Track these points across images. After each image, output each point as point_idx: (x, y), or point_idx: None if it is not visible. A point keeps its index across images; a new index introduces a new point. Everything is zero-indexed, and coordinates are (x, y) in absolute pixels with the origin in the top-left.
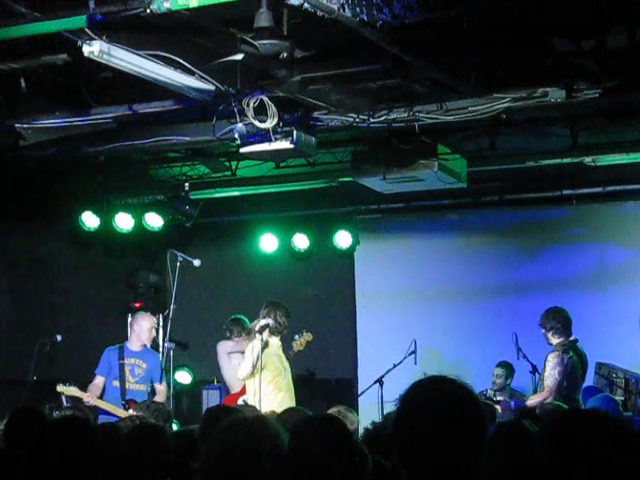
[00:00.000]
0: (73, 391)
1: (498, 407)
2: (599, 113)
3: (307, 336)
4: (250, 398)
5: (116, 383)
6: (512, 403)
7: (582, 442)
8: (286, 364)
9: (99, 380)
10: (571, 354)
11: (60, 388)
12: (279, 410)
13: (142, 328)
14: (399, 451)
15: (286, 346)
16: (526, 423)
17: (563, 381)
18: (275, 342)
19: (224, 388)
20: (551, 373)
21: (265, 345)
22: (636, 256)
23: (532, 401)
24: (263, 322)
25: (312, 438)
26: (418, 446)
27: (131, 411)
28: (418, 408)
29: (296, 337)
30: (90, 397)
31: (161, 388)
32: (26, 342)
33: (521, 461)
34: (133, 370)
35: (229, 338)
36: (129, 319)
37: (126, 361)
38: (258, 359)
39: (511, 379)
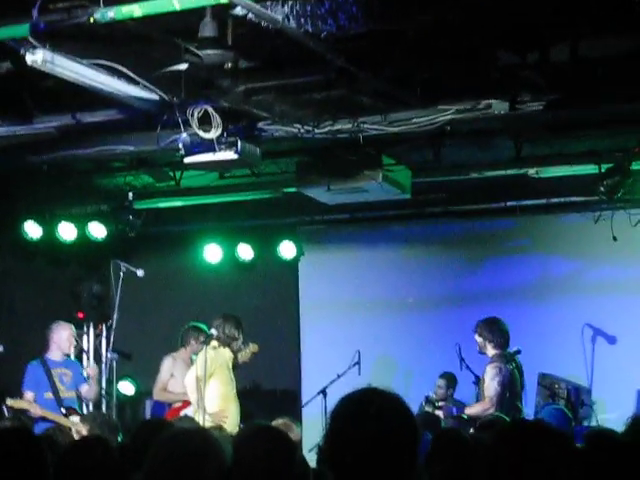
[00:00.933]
0: (23, 403)
1: (439, 412)
2: (543, 125)
3: (252, 347)
4: (194, 410)
5: (48, 395)
6: (454, 409)
7: (527, 454)
8: (232, 377)
9: (29, 395)
10: (512, 365)
11: (10, 402)
12: (229, 420)
13: (62, 338)
14: (331, 465)
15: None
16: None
17: (504, 392)
18: (226, 353)
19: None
20: (491, 384)
21: (214, 356)
22: (579, 267)
23: (472, 410)
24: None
25: (254, 450)
26: (349, 460)
27: (73, 418)
28: (348, 422)
29: (242, 347)
30: (37, 408)
31: (86, 387)
32: None
33: (462, 474)
34: (62, 379)
35: (183, 346)
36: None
37: (53, 371)
38: (202, 370)
39: (453, 390)
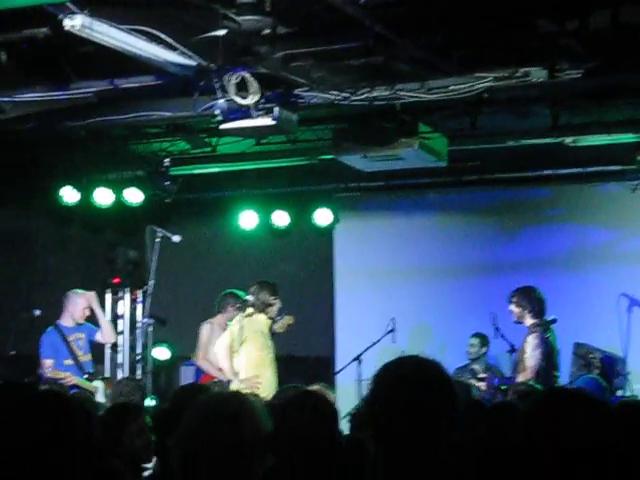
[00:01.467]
0: (60, 373)
1: (482, 384)
2: (581, 93)
3: (288, 319)
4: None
5: (68, 361)
6: (496, 380)
7: (565, 422)
8: (270, 342)
9: (49, 362)
10: (549, 335)
11: (50, 373)
12: (264, 385)
13: (77, 307)
14: (374, 431)
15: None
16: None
17: (544, 362)
18: (261, 320)
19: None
20: (533, 354)
21: (248, 323)
22: (615, 237)
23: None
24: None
25: (296, 413)
26: (392, 425)
27: (95, 382)
28: (390, 387)
29: (277, 318)
30: (70, 377)
31: (99, 334)
32: (4, 317)
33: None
34: (78, 344)
35: (220, 312)
36: (108, 296)
37: (69, 338)
38: (235, 337)
39: (486, 349)
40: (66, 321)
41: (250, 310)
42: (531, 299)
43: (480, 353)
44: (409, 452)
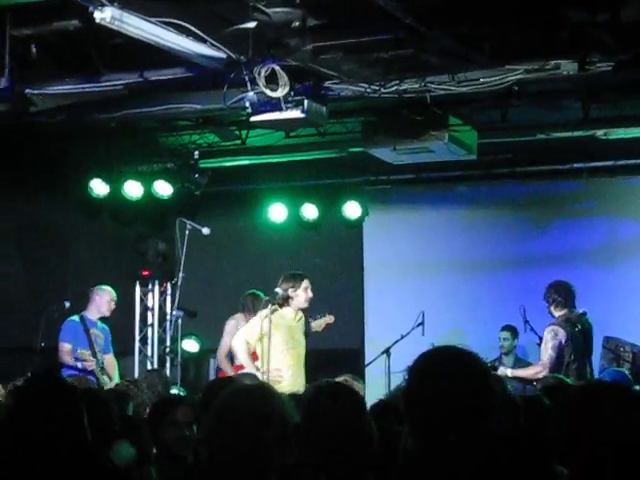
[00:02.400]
0: (85, 353)
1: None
2: (612, 86)
3: (328, 319)
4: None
5: (82, 352)
6: (508, 371)
7: (603, 416)
8: (298, 337)
9: (67, 347)
10: (576, 327)
11: (82, 352)
12: (286, 380)
13: (103, 300)
14: (409, 423)
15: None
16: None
17: (559, 356)
18: (286, 313)
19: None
20: (545, 347)
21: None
22: None
23: (524, 372)
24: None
25: (328, 404)
26: (428, 418)
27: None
28: (427, 378)
29: (317, 317)
30: (92, 362)
31: (110, 360)
32: (35, 309)
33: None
34: (97, 340)
35: (242, 311)
36: (138, 288)
37: (91, 331)
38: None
39: (517, 341)
40: (91, 314)
41: (275, 306)
42: (557, 292)
43: (512, 346)
44: (444, 444)
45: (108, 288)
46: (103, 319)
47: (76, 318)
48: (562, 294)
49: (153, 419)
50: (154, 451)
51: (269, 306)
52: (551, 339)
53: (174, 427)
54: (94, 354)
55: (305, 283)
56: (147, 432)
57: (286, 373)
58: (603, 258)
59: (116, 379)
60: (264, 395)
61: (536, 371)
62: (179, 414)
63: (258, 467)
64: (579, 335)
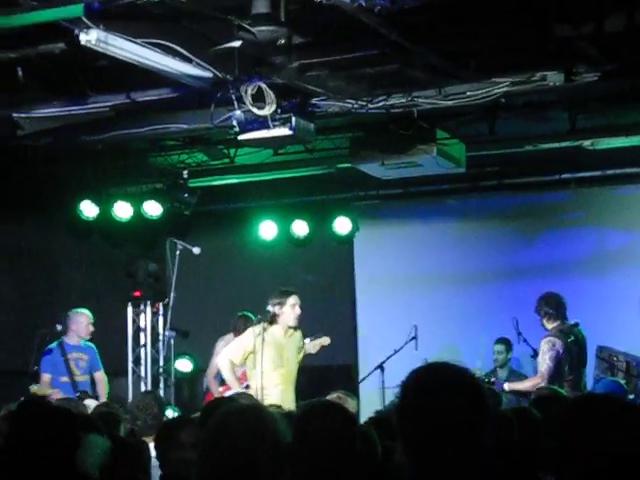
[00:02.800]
0: (46, 390)
1: None
2: (598, 97)
3: (323, 340)
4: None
5: (65, 379)
6: (503, 385)
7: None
8: (288, 354)
9: (47, 378)
10: (570, 338)
11: (34, 389)
12: (273, 399)
13: (80, 326)
14: (403, 440)
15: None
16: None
17: (557, 366)
18: (275, 331)
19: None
20: (543, 358)
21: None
22: (635, 239)
23: (523, 385)
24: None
25: (317, 424)
26: (422, 434)
27: (87, 401)
28: (420, 394)
29: (312, 338)
30: (58, 394)
31: (100, 377)
32: (26, 332)
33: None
34: (77, 363)
35: (233, 331)
36: (130, 309)
37: (69, 356)
38: (245, 351)
39: (511, 354)
40: (71, 339)
41: (264, 323)
42: (547, 304)
43: (506, 359)
44: (437, 461)
45: (84, 311)
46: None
47: (54, 345)
48: (553, 306)
49: (159, 441)
50: (160, 473)
51: (261, 324)
52: (548, 350)
53: (178, 448)
54: (72, 380)
55: (292, 300)
56: (148, 454)
57: (272, 392)
58: (592, 268)
59: (105, 396)
60: (258, 415)
61: (534, 383)
62: (183, 435)
63: None
64: (573, 346)
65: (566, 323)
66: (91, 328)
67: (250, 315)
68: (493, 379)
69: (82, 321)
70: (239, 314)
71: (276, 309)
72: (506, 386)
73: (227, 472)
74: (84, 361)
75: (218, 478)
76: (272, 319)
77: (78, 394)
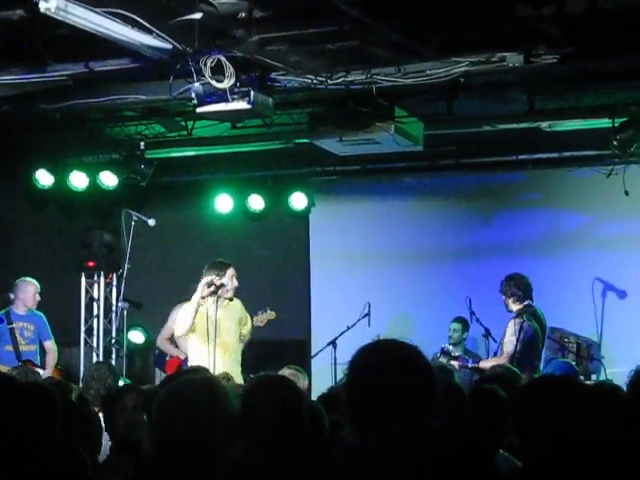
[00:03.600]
0: None
1: (455, 363)
2: (557, 79)
3: (270, 314)
4: (193, 361)
5: (9, 348)
6: (470, 361)
7: (554, 408)
8: (226, 325)
9: None
10: (532, 321)
11: None
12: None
13: (27, 295)
14: (351, 417)
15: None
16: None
17: (523, 349)
18: (209, 303)
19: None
20: (510, 340)
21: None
22: (590, 221)
23: (487, 363)
24: (206, 280)
25: (263, 398)
26: (369, 412)
27: None
28: (368, 372)
29: (259, 312)
30: None
31: (50, 346)
32: None
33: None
34: (22, 332)
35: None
36: (83, 279)
37: (15, 325)
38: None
39: (467, 333)
40: (18, 308)
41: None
42: (516, 286)
43: (462, 338)
44: (385, 439)
45: (31, 280)
46: (38, 308)
47: (1, 314)
48: (522, 288)
49: (105, 406)
50: (108, 442)
51: (207, 292)
52: (517, 331)
53: (124, 413)
54: (16, 349)
55: (231, 271)
56: (98, 422)
57: (210, 362)
58: (546, 249)
59: (53, 366)
60: (210, 388)
61: (497, 362)
62: (127, 399)
63: (204, 460)
64: (536, 329)
65: (532, 306)
66: (38, 297)
67: None
68: (457, 354)
69: (29, 290)
70: None
71: (215, 280)
72: (470, 363)
73: (179, 443)
74: (30, 331)
75: (170, 449)
76: (212, 290)
77: (20, 364)
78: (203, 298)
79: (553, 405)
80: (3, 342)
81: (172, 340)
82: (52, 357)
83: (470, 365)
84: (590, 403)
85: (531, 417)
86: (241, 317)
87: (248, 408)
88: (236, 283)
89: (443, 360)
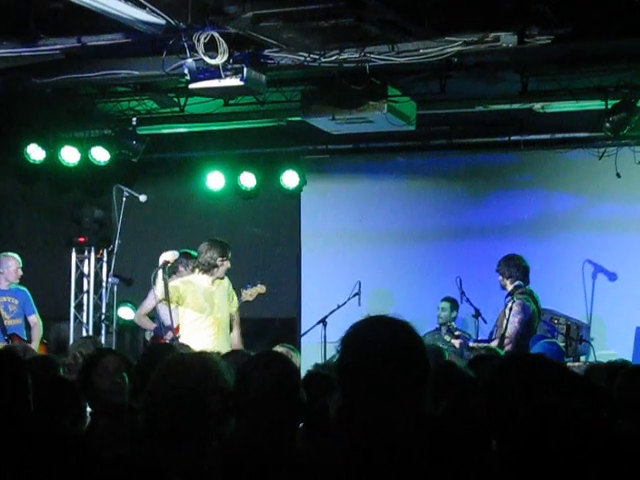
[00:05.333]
0: None
1: (456, 342)
2: (550, 60)
3: (259, 288)
4: (187, 336)
5: None
6: (471, 341)
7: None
8: (218, 302)
9: None
10: (531, 302)
11: None
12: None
13: (9, 269)
14: (343, 395)
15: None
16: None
17: (525, 330)
18: (203, 279)
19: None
20: (512, 321)
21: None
22: (581, 203)
23: (492, 345)
24: (165, 258)
25: (259, 374)
26: (361, 390)
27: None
28: (360, 348)
29: (248, 287)
30: None
31: (35, 320)
32: None
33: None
34: (7, 307)
35: (174, 273)
36: (74, 255)
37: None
38: (161, 295)
39: (456, 313)
40: (0, 283)
41: (196, 271)
42: (509, 265)
43: (450, 317)
44: (377, 416)
45: (13, 255)
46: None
47: None
48: (521, 269)
49: (84, 374)
50: (89, 409)
51: (163, 270)
52: (519, 312)
53: (105, 376)
54: (1, 323)
55: (230, 253)
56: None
57: (202, 338)
58: (538, 230)
59: (38, 340)
60: (204, 364)
61: (499, 344)
62: (109, 363)
63: (198, 437)
64: (534, 311)
65: (527, 287)
66: (20, 272)
67: (192, 252)
68: (458, 333)
69: (11, 265)
70: (180, 251)
71: (217, 260)
72: (472, 343)
73: (174, 421)
74: (14, 305)
75: (164, 427)
76: (208, 269)
77: (6, 337)
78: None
79: (527, 384)
80: None
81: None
82: (37, 330)
83: (471, 344)
84: (565, 383)
85: (506, 396)
86: (229, 294)
87: (244, 383)
88: (228, 265)
89: (447, 337)
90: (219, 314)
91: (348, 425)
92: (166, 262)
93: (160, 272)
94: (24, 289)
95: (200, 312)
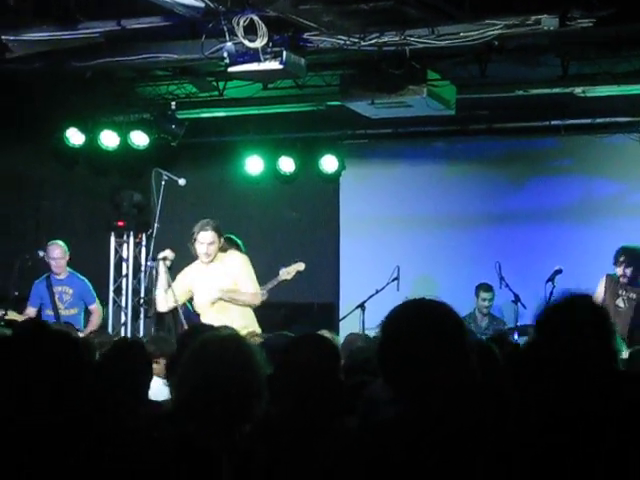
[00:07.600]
0: (19, 317)
1: None
2: (592, 43)
3: (297, 266)
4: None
5: (49, 312)
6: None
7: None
8: (212, 284)
9: (30, 311)
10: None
11: (10, 315)
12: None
13: (55, 257)
14: (385, 373)
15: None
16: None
17: None
18: (196, 264)
19: None
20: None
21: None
22: (621, 190)
23: None
24: (164, 254)
25: (306, 352)
26: (404, 366)
27: None
28: (401, 329)
29: (286, 264)
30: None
31: (94, 308)
32: (10, 258)
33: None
34: (61, 297)
35: None
36: (112, 239)
37: (54, 289)
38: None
39: (493, 300)
40: (56, 273)
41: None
42: None
43: (490, 306)
44: (421, 398)
45: (57, 243)
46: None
47: (42, 279)
48: None
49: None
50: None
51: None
52: None
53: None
54: (56, 313)
55: (195, 235)
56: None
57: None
58: (577, 216)
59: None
60: (236, 345)
61: None
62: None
63: (230, 417)
64: None
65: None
66: (62, 262)
67: (232, 237)
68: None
69: (56, 253)
70: (224, 236)
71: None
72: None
73: (205, 401)
74: (68, 294)
75: (196, 408)
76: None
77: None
78: None
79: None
80: (45, 306)
81: None
82: (96, 317)
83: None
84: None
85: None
86: (232, 273)
87: (288, 363)
88: (198, 247)
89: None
90: (212, 296)
91: (396, 408)
92: (165, 257)
93: (161, 265)
94: (82, 279)
95: (203, 296)
